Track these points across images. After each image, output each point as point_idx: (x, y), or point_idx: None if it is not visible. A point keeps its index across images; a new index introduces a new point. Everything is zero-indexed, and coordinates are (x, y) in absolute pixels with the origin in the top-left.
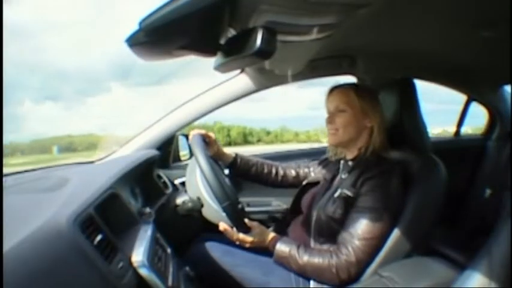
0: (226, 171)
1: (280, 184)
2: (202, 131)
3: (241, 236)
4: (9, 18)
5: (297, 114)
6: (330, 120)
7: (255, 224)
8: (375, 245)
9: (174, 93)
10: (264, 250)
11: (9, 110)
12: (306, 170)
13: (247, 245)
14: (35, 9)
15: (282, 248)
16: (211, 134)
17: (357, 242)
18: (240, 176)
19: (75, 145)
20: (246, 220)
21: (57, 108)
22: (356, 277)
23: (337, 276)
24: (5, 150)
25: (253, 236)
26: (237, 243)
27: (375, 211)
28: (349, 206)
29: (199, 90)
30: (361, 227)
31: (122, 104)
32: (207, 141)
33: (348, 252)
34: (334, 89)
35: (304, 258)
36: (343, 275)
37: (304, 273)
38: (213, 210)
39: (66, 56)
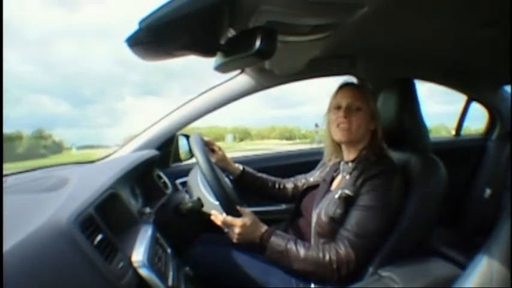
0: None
1: (282, 197)
2: (206, 138)
3: (231, 218)
4: (107, 17)
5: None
6: (346, 114)
7: (247, 210)
8: (374, 243)
9: (279, 90)
10: (254, 246)
11: (109, 104)
12: (304, 180)
13: (237, 231)
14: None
15: (278, 241)
16: (215, 144)
17: (356, 240)
18: (244, 188)
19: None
20: (238, 207)
21: (158, 103)
22: (354, 274)
23: (337, 272)
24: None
25: (244, 220)
26: (226, 231)
27: (375, 209)
28: (349, 205)
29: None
30: (361, 225)
31: None
32: (210, 148)
33: (347, 248)
34: (347, 85)
35: (302, 252)
36: (343, 271)
37: (300, 269)
38: (208, 202)
39: None
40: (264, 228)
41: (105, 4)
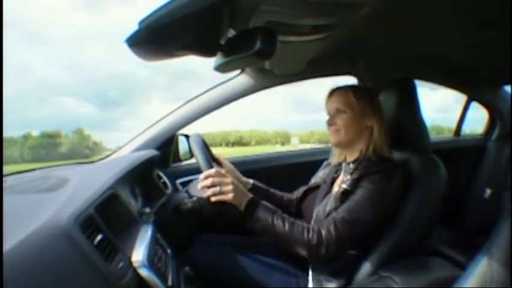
0: None
1: (289, 210)
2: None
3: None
4: (135, 20)
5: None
6: (331, 121)
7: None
8: (359, 232)
9: (302, 93)
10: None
11: (136, 107)
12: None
13: (230, 180)
14: None
15: (264, 212)
16: (222, 157)
17: (342, 224)
18: None
19: (245, 140)
20: None
21: None
22: (334, 256)
23: (316, 251)
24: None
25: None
26: (218, 189)
27: (368, 201)
28: (346, 198)
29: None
30: (351, 212)
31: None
32: (218, 162)
33: (331, 229)
34: (333, 92)
35: (287, 227)
36: (321, 251)
37: (281, 242)
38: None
39: (196, 59)
40: (249, 195)
41: (134, 7)
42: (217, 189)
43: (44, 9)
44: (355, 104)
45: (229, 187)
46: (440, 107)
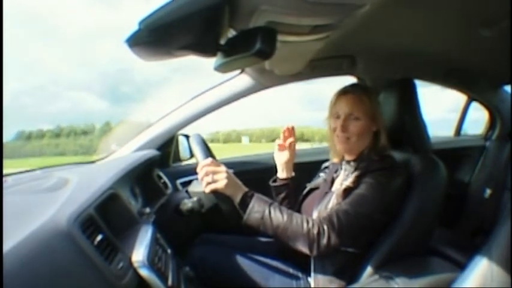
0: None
1: None
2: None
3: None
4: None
5: (435, 117)
6: (344, 128)
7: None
8: (360, 226)
9: (315, 92)
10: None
11: (150, 104)
12: None
13: (225, 168)
14: None
15: (260, 203)
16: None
17: (344, 216)
18: None
19: (306, 136)
20: None
21: None
22: (334, 248)
23: (317, 242)
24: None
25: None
26: (211, 179)
27: (371, 197)
28: (348, 195)
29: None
30: (354, 205)
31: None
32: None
33: (333, 220)
34: (345, 93)
35: (285, 217)
36: (323, 242)
37: (280, 234)
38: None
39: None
40: (244, 188)
41: (148, 3)
42: (209, 177)
43: (58, 4)
44: (369, 109)
45: (222, 175)
46: (454, 106)
